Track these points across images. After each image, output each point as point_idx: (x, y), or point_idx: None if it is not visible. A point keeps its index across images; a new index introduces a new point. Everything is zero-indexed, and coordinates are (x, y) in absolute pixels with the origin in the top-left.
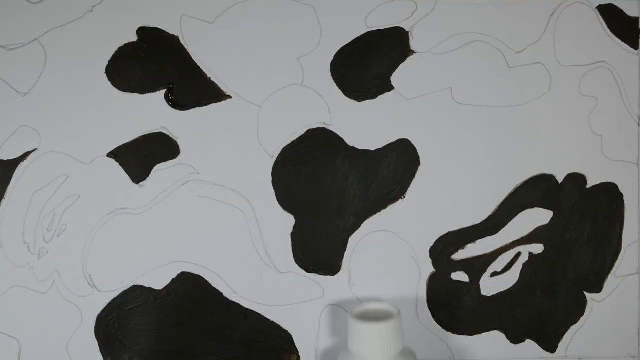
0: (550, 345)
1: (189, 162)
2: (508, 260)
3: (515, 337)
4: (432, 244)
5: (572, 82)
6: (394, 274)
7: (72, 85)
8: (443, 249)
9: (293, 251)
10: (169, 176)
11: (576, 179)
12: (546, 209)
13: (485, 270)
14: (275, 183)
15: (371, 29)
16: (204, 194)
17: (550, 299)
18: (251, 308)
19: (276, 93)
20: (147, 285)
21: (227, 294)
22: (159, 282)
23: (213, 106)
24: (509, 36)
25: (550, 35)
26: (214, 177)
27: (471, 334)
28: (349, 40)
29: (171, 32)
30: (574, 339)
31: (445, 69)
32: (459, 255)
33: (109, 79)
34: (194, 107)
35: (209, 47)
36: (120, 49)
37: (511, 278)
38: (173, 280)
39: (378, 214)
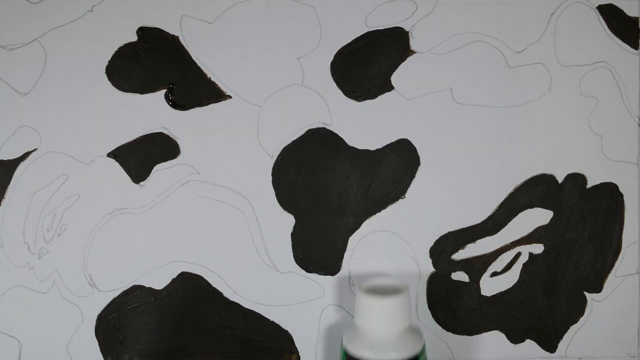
0: (550, 345)
1: (189, 162)
2: (508, 260)
3: (515, 337)
4: (432, 244)
5: (572, 82)
6: (393, 274)
7: (72, 85)
8: (443, 249)
9: (293, 251)
10: (169, 176)
11: (576, 179)
12: (546, 209)
13: (485, 270)
14: (275, 183)
15: (371, 29)
16: (204, 194)
17: (550, 299)
18: (251, 308)
19: (276, 93)
20: (147, 285)
21: (227, 294)
22: (159, 282)
23: (213, 106)
24: (509, 36)
25: (550, 35)
26: (214, 177)
27: (471, 334)
28: (349, 40)
29: (171, 32)
30: (573, 338)
31: (445, 69)
32: (459, 255)
33: (109, 79)
34: (194, 107)
35: (209, 47)
36: (120, 49)
37: (511, 278)
38: (173, 280)
39: (378, 214)
